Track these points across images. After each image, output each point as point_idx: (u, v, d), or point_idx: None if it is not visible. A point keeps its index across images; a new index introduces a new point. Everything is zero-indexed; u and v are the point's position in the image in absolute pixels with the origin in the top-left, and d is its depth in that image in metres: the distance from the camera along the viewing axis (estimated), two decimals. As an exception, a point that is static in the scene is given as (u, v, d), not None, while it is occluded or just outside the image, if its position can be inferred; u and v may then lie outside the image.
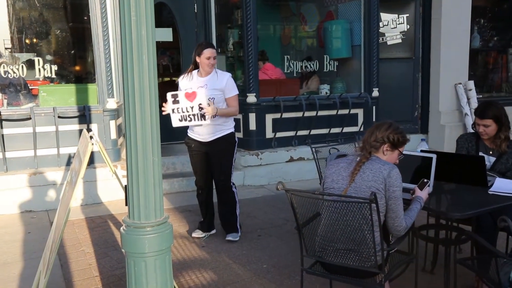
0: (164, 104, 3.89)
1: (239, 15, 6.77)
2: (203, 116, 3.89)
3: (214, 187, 4.32)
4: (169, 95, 3.90)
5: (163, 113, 3.82)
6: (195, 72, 4.12)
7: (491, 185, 3.05)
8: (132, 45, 1.93)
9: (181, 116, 3.91)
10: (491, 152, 3.41)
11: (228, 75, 4.12)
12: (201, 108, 3.86)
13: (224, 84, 4.04)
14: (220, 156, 4.12)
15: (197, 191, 4.32)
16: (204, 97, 3.87)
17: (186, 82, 4.10)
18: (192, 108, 3.88)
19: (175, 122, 3.94)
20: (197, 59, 4.02)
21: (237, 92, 4.14)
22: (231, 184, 4.23)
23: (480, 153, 3.42)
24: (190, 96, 3.86)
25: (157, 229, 2.02)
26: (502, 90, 8.53)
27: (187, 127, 4.16)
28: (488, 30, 8.30)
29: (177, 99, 3.88)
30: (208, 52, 3.98)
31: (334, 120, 6.62)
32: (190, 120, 3.93)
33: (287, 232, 4.41)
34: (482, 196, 2.99)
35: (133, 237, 2.01)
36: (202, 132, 4.07)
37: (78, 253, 4.00)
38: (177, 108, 3.89)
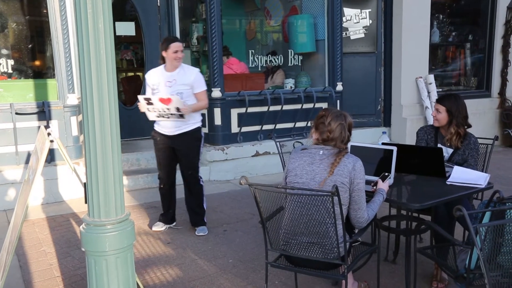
0: (138, 103, 3.95)
1: (203, 9, 6.71)
2: (181, 116, 3.92)
3: (178, 182, 4.31)
4: (141, 98, 3.89)
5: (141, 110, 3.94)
6: (161, 67, 4.11)
7: (449, 176, 3.14)
8: (89, 38, 1.88)
9: (159, 113, 3.94)
10: (449, 144, 3.51)
11: (196, 70, 4.14)
12: (178, 109, 3.87)
13: (192, 79, 4.05)
14: (186, 150, 4.14)
15: (160, 184, 4.34)
16: (180, 102, 3.86)
17: (154, 77, 4.10)
18: (168, 109, 3.88)
19: (152, 117, 4.00)
20: (164, 54, 4.01)
21: (205, 87, 4.17)
22: (200, 177, 4.26)
23: (439, 145, 3.51)
24: (165, 101, 3.86)
25: (118, 227, 1.98)
26: (460, 84, 8.80)
27: (153, 122, 4.16)
28: (447, 25, 8.52)
29: (150, 101, 3.87)
30: (174, 46, 3.96)
31: (299, 114, 6.66)
32: (168, 117, 3.97)
33: (253, 226, 4.42)
34: (440, 186, 3.08)
35: (93, 235, 1.97)
36: (167, 126, 4.07)
37: (38, 253, 3.90)
38: (153, 108, 3.91)
